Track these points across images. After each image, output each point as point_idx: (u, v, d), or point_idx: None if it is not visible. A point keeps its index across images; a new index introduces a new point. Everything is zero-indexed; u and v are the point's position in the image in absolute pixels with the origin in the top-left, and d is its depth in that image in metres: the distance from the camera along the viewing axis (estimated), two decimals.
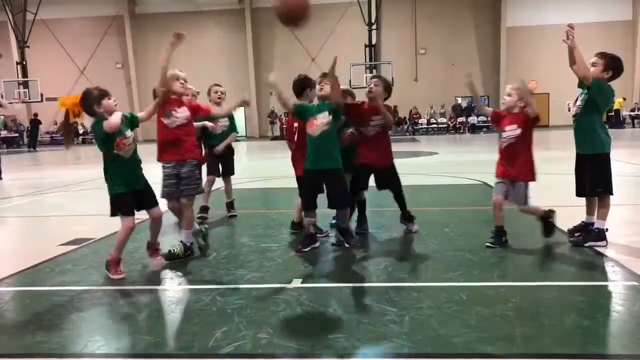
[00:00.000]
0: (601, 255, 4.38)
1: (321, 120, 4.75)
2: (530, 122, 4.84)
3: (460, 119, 31.85)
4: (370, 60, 27.20)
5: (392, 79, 26.03)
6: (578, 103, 4.75)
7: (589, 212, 4.86)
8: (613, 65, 4.60)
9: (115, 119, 4.04)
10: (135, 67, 34.02)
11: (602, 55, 4.67)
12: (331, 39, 32.80)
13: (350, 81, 26.63)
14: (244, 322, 3.15)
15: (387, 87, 5.28)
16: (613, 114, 28.52)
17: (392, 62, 27.50)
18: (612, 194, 4.63)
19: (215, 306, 3.47)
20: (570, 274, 4.02)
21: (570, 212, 5.13)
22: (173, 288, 3.98)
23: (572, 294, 3.57)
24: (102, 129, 4.05)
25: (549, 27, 31.82)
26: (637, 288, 3.57)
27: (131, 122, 4.41)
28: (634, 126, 29.50)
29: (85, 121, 34.35)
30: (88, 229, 6.15)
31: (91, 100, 4.11)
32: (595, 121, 4.63)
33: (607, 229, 4.66)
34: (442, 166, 12.45)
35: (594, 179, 4.61)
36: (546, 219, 4.94)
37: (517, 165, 4.80)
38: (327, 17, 32.55)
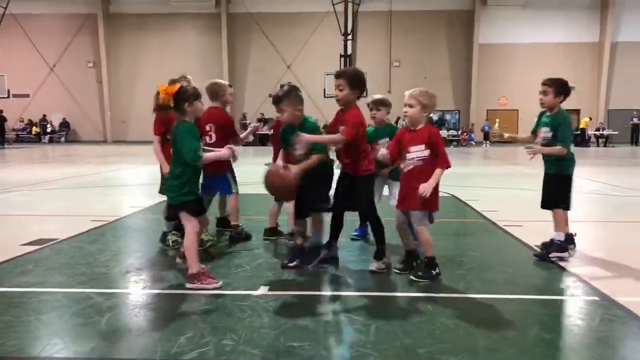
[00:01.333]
0: (564, 270, 4.47)
1: None
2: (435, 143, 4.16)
3: None
4: None
5: (367, 89, 26.21)
6: (544, 134, 4.90)
7: (557, 227, 4.96)
8: (562, 89, 4.85)
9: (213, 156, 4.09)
10: (107, 66, 33.52)
11: (550, 82, 4.89)
12: (307, 47, 32.94)
13: (324, 90, 26.77)
14: (209, 329, 3.11)
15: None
16: (579, 132, 29.24)
17: (367, 72, 27.61)
18: (570, 210, 4.90)
19: (179, 311, 3.42)
20: (534, 287, 4.08)
21: (537, 227, 5.22)
22: (137, 292, 3.91)
23: (535, 307, 3.63)
24: (198, 137, 3.96)
25: (520, 45, 32.61)
26: (597, 303, 3.64)
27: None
28: (598, 145, 30.29)
29: (55, 120, 33.72)
30: (52, 229, 6.01)
31: (186, 97, 3.97)
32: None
33: (575, 233, 4.92)
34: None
35: (558, 196, 4.84)
36: (411, 253, 4.42)
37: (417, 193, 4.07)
38: (303, 25, 32.72)
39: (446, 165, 4.14)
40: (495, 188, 10.34)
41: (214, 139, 5.25)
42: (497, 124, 5.26)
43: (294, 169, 4.21)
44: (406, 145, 4.22)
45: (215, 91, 5.41)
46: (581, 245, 5.14)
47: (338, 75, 4.36)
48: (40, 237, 5.52)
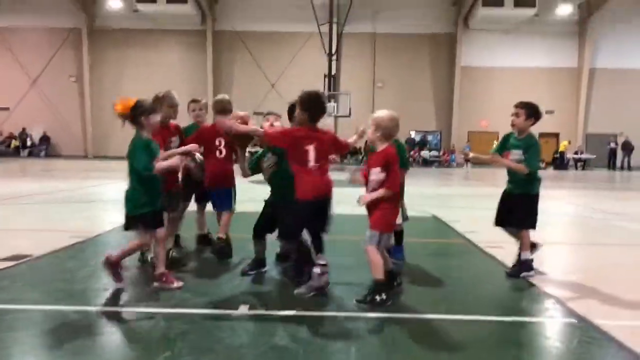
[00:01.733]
0: (542, 292, 4.51)
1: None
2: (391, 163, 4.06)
3: (412, 153, 32.47)
4: (329, 89, 27.54)
5: (350, 109, 26.42)
6: (515, 157, 4.98)
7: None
8: (533, 113, 4.98)
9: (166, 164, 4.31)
10: (90, 81, 33.31)
11: (522, 105, 5.01)
12: (291, 66, 33.13)
13: None
14: (187, 348, 3.07)
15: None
16: (558, 156, 29.70)
17: (351, 93, 27.93)
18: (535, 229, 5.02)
19: (158, 330, 3.38)
20: (513, 309, 4.11)
21: (517, 249, 5.26)
22: (115, 310, 3.85)
23: (514, 329, 3.65)
24: (154, 149, 4.21)
25: (501, 69, 33.19)
26: (575, 325, 3.68)
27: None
28: (576, 168, 30.77)
29: (32, 133, 33.29)
30: (29, 245, 5.91)
31: (142, 111, 4.20)
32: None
33: (532, 259, 5.00)
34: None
35: (527, 216, 4.97)
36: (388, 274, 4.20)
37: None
38: (288, 45, 32.94)
39: (392, 188, 4.01)
40: (476, 209, 10.42)
41: (224, 153, 5.21)
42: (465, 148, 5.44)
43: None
44: (369, 167, 4.18)
45: (223, 106, 5.44)
46: (559, 267, 5.20)
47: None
48: (16, 253, 5.42)
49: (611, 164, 30.31)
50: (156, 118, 4.28)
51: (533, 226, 5.01)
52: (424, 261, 5.58)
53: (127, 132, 4.43)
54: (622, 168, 30.06)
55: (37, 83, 33.71)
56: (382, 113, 4.26)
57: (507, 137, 5.18)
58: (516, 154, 4.98)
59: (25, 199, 10.47)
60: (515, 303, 4.26)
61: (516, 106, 5.05)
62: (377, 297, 3.95)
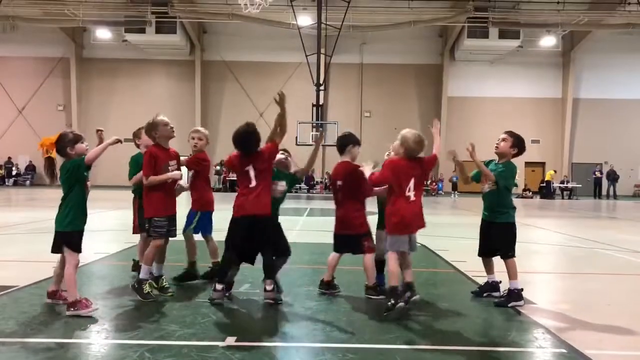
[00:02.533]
0: (532, 322, 4.49)
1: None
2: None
3: None
4: (317, 119, 27.70)
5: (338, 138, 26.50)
6: (488, 185, 5.18)
7: (491, 271, 5.33)
8: (519, 143, 5.20)
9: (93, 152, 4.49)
10: (77, 110, 33.24)
11: (511, 133, 5.26)
12: None
13: (297, 138, 27.00)
14: None
15: None
16: (545, 185, 29.93)
17: (338, 122, 28.11)
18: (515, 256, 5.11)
19: None
20: (503, 339, 4.08)
21: (506, 279, 5.25)
22: (99, 342, 3.77)
23: (504, 359, 3.62)
24: (80, 166, 4.46)
25: (487, 99, 33.68)
26: (564, 355, 3.66)
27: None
28: (563, 197, 31.02)
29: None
30: (12, 276, 5.81)
31: (66, 143, 4.50)
32: (506, 197, 5.19)
33: (522, 288, 5.04)
34: None
35: (509, 244, 5.09)
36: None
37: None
38: (276, 75, 33.21)
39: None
40: (464, 238, 10.43)
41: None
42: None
43: None
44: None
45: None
46: (547, 296, 5.19)
47: None
48: (0, 284, 5.33)
49: (597, 193, 30.61)
50: (82, 146, 4.55)
51: (514, 253, 5.09)
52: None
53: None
54: (607, 197, 30.37)
55: (24, 112, 33.60)
56: (409, 133, 4.96)
57: (487, 163, 5.35)
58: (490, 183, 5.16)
59: (10, 229, 10.33)
60: (504, 333, 4.23)
61: (505, 132, 5.28)
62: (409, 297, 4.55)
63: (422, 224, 4.87)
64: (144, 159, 5.06)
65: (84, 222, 4.63)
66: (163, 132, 5.10)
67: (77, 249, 4.51)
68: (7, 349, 3.55)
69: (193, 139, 5.84)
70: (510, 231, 5.11)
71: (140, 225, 5.60)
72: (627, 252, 8.74)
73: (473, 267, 6.66)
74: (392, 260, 4.67)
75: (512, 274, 5.00)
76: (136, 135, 5.78)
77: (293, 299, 5.07)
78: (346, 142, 5.42)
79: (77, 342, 3.74)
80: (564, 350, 3.74)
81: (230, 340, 3.76)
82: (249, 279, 5.77)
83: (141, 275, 4.95)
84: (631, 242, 10.10)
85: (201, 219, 5.76)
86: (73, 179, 4.49)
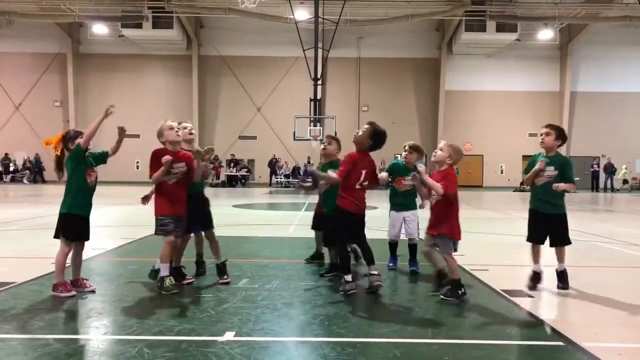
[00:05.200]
0: (529, 314, 4.51)
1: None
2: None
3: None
4: (315, 113, 27.67)
5: (336, 133, 26.52)
6: (549, 173, 5.31)
7: (538, 260, 5.44)
8: (561, 134, 5.40)
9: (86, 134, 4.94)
10: (74, 106, 33.17)
11: (552, 126, 5.45)
12: (277, 90, 33.34)
13: (294, 132, 26.98)
14: None
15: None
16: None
17: (336, 117, 28.10)
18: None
19: (142, 358, 3.32)
20: (500, 332, 4.09)
21: (502, 271, 5.28)
22: (98, 338, 3.78)
23: (501, 352, 3.64)
24: (79, 150, 4.88)
25: (485, 92, 33.67)
26: (562, 348, 3.67)
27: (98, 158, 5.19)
28: None
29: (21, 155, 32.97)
30: (10, 272, 5.81)
31: (67, 139, 5.05)
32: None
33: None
34: (380, 221, 12.61)
35: (563, 233, 5.36)
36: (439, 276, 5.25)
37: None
38: (274, 69, 33.18)
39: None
40: (462, 232, 10.44)
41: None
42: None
43: None
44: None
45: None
46: (545, 289, 5.20)
47: None
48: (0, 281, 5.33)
49: (594, 186, 30.68)
50: (80, 140, 4.93)
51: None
52: (411, 285, 5.56)
53: (112, 158, 4.61)
54: (605, 190, 30.43)
55: (21, 108, 33.51)
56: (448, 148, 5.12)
57: (536, 157, 5.52)
58: (550, 170, 5.29)
59: (7, 225, 10.32)
60: (501, 326, 4.25)
61: (546, 127, 5.45)
62: (459, 292, 4.85)
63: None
64: (150, 160, 5.17)
65: (85, 210, 4.99)
66: (168, 137, 5.21)
67: (70, 237, 4.89)
68: (5, 345, 3.56)
69: (185, 128, 5.63)
70: (565, 221, 5.40)
71: None
72: (624, 245, 8.76)
73: (471, 260, 6.68)
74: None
75: (563, 258, 5.38)
76: (160, 134, 5.59)
77: (291, 293, 5.08)
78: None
79: (76, 338, 3.75)
80: (560, 343, 3.76)
81: (229, 335, 3.77)
82: (247, 274, 5.79)
83: (161, 273, 5.06)
84: (628, 234, 10.13)
85: None
86: (73, 162, 4.93)
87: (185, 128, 5.58)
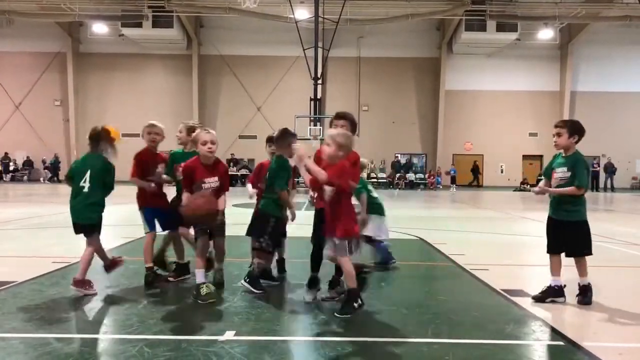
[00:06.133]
0: (529, 314, 4.51)
1: None
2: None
3: (398, 175, 32.66)
4: (315, 113, 27.68)
5: None
6: (560, 175, 4.90)
7: (555, 272, 4.91)
8: (576, 128, 4.97)
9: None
10: (75, 105, 33.16)
11: (563, 123, 5.02)
12: (277, 89, 33.33)
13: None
14: None
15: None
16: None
17: None
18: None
19: (142, 358, 3.31)
20: (501, 332, 4.09)
21: (503, 271, 5.28)
22: (98, 337, 3.78)
23: (502, 352, 3.63)
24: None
25: (485, 92, 33.67)
26: (562, 348, 3.67)
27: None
28: None
29: (17, 157, 33.00)
30: (10, 271, 5.81)
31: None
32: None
33: (565, 285, 4.87)
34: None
35: (585, 243, 4.85)
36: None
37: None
38: (274, 68, 33.18)
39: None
40: (462, 231, 10.46)
41: None
42: None
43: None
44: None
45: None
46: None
47: None
48: None
49: (594, 186, 30.69)
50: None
51: (590, 252, 4.87)
52: (410, 284, 5.56)
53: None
54: (605, 189, 30.43)
55: (21, 107, 33.50)
56: (340, 133, 4.42)
57: (555, 157, 5.12)
58: (562, 171, 4.90)
59: (7, 224, 10.32)
60: (502, 326, 4.25)
61: (557, 125, 5.01)
62: (355, 304, 4.24)
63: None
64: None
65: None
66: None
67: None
68: (6, 344, 3.56)
69: (149, 134, 5.55)
70: (587, 228, 4.88)
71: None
72: (624, 245, 8.76)
73: (471, 260, 6.69)
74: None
75: (583, 270, 4.83)
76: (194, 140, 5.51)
77: (291, 293, 5.08)
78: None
79: (76, 337, 3.74)
80: (561, 343, 3.76)
81: (229, 335, 3.77)
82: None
83: (197, 280, 4.81)
84: (628, 234, 10.13)
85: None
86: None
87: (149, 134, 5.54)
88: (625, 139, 33.05)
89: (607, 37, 32.51)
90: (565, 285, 4.88)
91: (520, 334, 4.07)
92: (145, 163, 5.42)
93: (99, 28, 32.60)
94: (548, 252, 4.93)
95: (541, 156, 33.25)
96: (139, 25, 30.73)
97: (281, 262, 5.90)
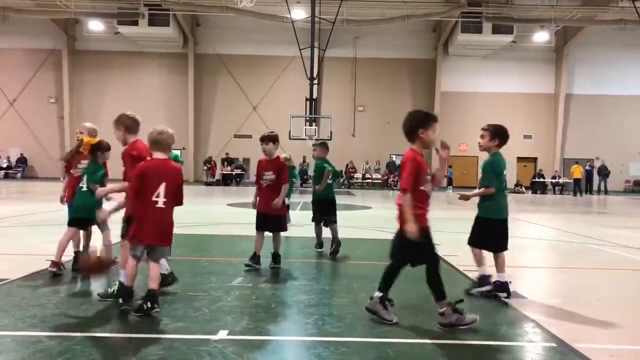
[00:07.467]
0: (523, 316, 4.52)
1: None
2: None
3: (393, 176, 32.65)
4: (311, 113, 27.66)
5: (331, 132, 26.58)
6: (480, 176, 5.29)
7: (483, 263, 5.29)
8: (497, 133, 5.17)
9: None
10: (69, 102, 33.00)
11: (487, 126, 5.27)
12: (273, 89, 33.29)
13: (290, 132, 26.96)
14: None
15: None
16: (574, 181, 29.61)
17: (332, 116, 28.10)
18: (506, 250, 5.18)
19: (134, 356, 3.31)
20: (494, 333, 4.10)
21: (496, 273, 5.28)
22: (90, 335, 3.76)
23: (495, 353, 3.65)
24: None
25: (480, 94, 33.73)
26: (555, 349, 3.68)
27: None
28: (554, 192, 31.18)
29: (11, 155, 32.87)
30: (2, 269, 5.78)
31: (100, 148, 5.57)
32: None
33: (510, 282, 5.09)
34: (374, 220, 12.64)
35: (477, 236, 5.30)
36: None
37: None
38: (270, 68, 33.13)
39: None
40: (457, 233, 10.46)
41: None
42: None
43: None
44: None
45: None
46: (538, 290, 5.22)
47: None
48: None
49: (588, 188, 30.79)
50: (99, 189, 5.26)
51: (502, 248, 5.16)
52: (403, 285, 5.55)
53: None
54: (598, 192, 30.55)
55: (15, 104, 33.33)
56: None
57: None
58: (481, 172, 5.24)
59: (3, 222, 10.26)
60: (495, 327, 4.26)
61: (482, 129, 5.27)
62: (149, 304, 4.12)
63: None
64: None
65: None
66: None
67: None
68: None
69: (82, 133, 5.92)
70: (496, 227, 5.18)
71: None
72: (618, 247, 8.80)
73: (465, 261, 6.69)
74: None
75: (499, 266, 5.15)
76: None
77: (285, 292, 5.08)
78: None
79: (68, 336, 3.73)
80: (554, 344, 3.77)
81: (223, 334, 3.76)
82: (241, 273, 5.79)
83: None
84: (621, 237, 10.17)
85: None
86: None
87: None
88: (619, 141, 33.19)
89: (602, 40, 32.62)
90: (510, 282, 5.09)
91: (513, 336, 4.08)
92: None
93: (95, 25, 32.46)
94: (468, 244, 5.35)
95: (535, 158, 33.36)
96: (135, 23, 30.62)
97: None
